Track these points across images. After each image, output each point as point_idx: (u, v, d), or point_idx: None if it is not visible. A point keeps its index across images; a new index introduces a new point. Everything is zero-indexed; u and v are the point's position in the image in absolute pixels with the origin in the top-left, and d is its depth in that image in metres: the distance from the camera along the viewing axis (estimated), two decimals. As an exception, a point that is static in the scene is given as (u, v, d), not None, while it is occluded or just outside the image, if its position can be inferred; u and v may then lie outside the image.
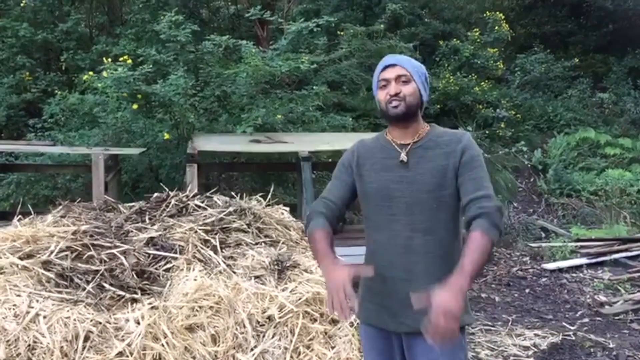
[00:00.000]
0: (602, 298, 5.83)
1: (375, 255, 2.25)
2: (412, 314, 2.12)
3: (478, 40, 11.90)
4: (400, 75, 2.20)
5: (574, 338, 4.82)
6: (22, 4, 9.88)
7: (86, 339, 2.76)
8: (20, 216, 3.78)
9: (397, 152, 2.22)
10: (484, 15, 13.02)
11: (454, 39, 12.07)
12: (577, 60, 13.21)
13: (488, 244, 2.02)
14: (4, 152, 7.96)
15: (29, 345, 2.71)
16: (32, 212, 3.92)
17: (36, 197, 7.71)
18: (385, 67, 2.24)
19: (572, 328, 5.06)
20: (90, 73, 7.33)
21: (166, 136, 6.90)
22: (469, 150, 2.17)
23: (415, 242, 2.17)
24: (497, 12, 12.90)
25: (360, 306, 2.26)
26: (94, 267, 3.15)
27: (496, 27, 12.35)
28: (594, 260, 6.91)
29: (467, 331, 4.73)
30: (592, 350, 4.61)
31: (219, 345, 2.90)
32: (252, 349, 2.93)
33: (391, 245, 2.20)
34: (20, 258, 3.15)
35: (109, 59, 7.01)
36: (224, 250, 3.45)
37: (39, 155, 7.96)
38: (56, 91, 8.76)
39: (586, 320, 5.30)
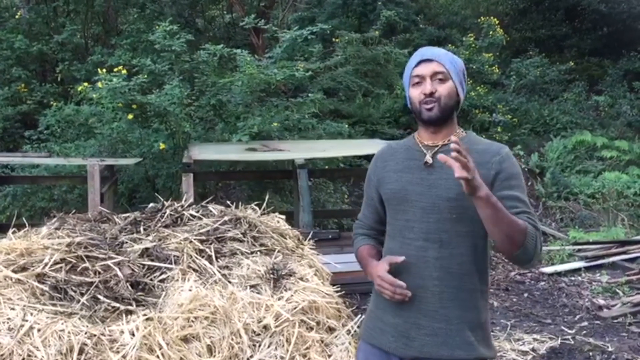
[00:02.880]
0: (601, 301, 5.81)
1: None
2: (422, 336, 1.98)
3: (473, 45, 11.94)
4: (436, 72, 1.96)
5: (572, 342, 4.81)
6: (17, 16, 9.93)
7: (81, 351, 2.74)
8: (14, 229, 3.77)
9: (421, 153, 2.03)
10: (479, 20, 13.08)
11: (449, 45, 12.09)
12: (573, 63, 13.26)
13: (522, 232, 1.86)
14: (0, 164, 7.94)
15: (24, 359, 2.69)
16: (27, 225, 3.90)
17: (32, 209, 7.68)
18: (420, 62, 1.99)
19: (570, 332, 5.05)
20: (86, 84, 7.34)
21: (162, 146, 6.89)
22: (506, 167, 1.98)
23: (429, 254, 1.96)
24: (492, 17, 12.95)
25: (365, 322, 2.18)
26: (88, 279, 3.13)
27: (491, 32, 12.39)
28: (592, 264, 6.90)
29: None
30: (591, 354, 4.60)
31: (214, 356, 2.89)
32: (248, 359, 2.92)
33: (402, 255, 1.98)
34: (14, 271, 3.13)
35: (104, 70, 7.03)
36: (219, 260, 3.43)
37: (35, 166, 7.94)
38: (52, 102, 8.79)
39: (585, 323, 5.28)
